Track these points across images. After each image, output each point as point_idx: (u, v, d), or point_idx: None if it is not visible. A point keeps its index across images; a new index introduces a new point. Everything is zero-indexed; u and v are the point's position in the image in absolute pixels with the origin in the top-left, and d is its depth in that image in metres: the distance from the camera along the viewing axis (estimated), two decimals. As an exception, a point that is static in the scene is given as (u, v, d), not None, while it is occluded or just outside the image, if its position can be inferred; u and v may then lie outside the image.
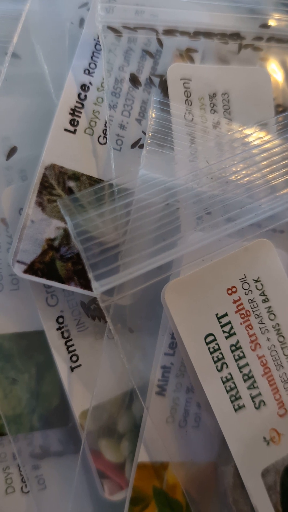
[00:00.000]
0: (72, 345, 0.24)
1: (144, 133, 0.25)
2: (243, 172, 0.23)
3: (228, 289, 0.22)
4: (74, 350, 0.24)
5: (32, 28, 0.25)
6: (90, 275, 0.21)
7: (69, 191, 0.24)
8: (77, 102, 0.25)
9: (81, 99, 0.25)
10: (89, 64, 0.25)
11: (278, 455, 0.22)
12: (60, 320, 0.24)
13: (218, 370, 0.22)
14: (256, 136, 0.24)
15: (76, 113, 0.25)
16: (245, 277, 0.23)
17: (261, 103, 0.26)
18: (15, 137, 0.25)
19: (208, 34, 0.26)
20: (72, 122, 0.25)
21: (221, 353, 0.22)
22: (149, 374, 0.23)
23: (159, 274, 0.22)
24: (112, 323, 0.22)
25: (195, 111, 0.25)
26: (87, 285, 0.23)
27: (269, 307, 0.23)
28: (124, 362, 0.22)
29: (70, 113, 0.25)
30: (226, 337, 0.22)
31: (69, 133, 0.24)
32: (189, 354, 0.22)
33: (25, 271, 0.23)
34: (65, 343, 0.24)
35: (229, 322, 0.22)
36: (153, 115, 0.24)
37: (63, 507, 0.24)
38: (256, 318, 0.23)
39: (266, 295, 0.23)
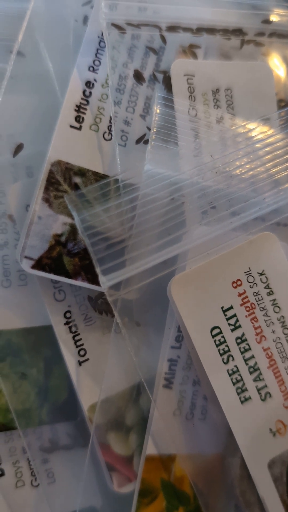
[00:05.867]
0: (80, 339, 0.24)
1: (149, 129, 0.25)
2: (247, 166, 0.23)
3: (233, 282, 0.22)
4: (82, 345, 0.24)
5: (36, 26, 0.25)
6: (98, 269, 0.21)
7: (75, 187, 0.24)
8: (82, 98, 0.25)
9: (86, 96, 0.25)
10: (94, 61, 0.25)
11: (284, 446, 0.22)
12: (68, 315, 0.24)
13: (224, 363, 0.22)
14: (259, 130, 0.24)
15: (81, 110, 0.25)
16: (250, 270, 0.23)
17: (263, 98, 0.26)
18: (21, 134, 0.25)
19: (210, 30, 0.26)
20: (78, 118, 0.25)
21: (227, 346, 0.22)
22: (156, 367, 0.23)
23: (165, 268, 0.22)
24: (120, 317, 0.22)
25: (198, 106, 0.25)
26: (94, 280, 0.23)
27: (274, 300, 0.23)
28: (131, 355, 0.23)
29: (75, 110, 0.25)
30: (232, 330, 0.22)
31: (74, 129, 0.24)
32: (195, 347, 0.22)
33: (33, 267, 0.23)
34: (73, 337, 0.24)
35: (235, 315, 0.22)
36: (158, 111, 0.24)
37: (73, 500, 0.24)
38: (261, 310, 0.23)
39: (270, 288, 0.23)
